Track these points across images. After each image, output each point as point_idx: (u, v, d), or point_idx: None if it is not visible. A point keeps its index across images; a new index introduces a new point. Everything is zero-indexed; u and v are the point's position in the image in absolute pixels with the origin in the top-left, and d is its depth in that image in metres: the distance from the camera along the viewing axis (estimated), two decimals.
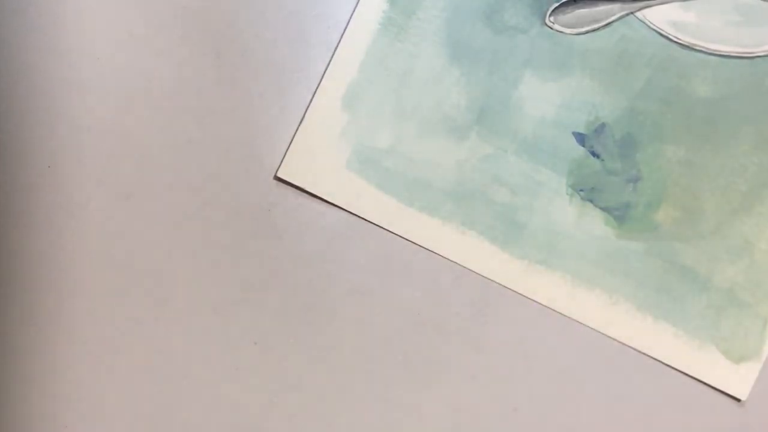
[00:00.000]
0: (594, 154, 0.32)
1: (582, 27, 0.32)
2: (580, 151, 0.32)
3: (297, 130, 0.32)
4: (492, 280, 0.32)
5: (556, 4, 0.32)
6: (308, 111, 0.32)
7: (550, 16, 0.32)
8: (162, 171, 0.32)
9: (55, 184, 0.32)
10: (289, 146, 0.32)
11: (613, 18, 0.32)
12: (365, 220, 0.32)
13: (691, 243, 0.31)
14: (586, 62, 0.32)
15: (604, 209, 0.32)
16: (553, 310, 0.32)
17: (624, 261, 0.32)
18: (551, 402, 0.32)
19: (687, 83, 0.32)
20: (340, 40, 0.32)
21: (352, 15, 0.32)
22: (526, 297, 0.32)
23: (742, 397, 0.32)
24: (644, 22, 0.32)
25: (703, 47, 0.32)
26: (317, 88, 0.32)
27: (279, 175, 0.32)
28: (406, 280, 0.32)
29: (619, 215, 0.32)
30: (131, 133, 0.32)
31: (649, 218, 0.32)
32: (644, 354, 0.31)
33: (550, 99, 0.32)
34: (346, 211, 0.32)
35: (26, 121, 0.32)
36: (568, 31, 0.32)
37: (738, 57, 0.32)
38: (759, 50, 0.32)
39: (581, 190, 0.32)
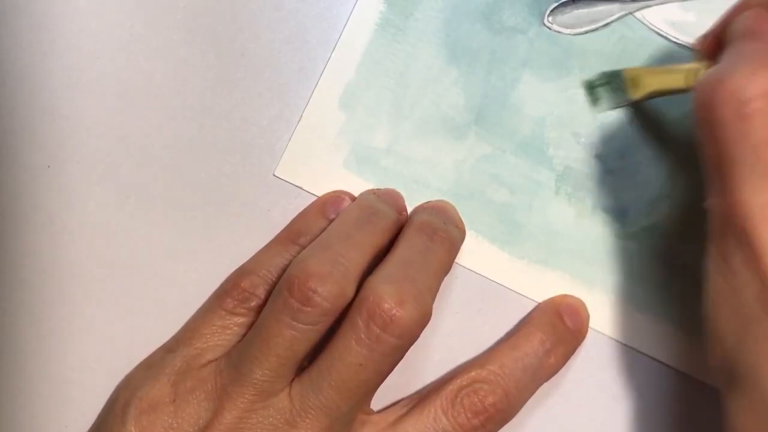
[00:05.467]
0: (593, 155, 0.32)
1: (581, 27, 0.32)
2: (579, 151, 0.32)
3: (295, 129, 0.33)
4: (491, 280, 0.32)
5: (555, 5, 0.32)
6: (306, 111, 0.33)
7: (548, 16, 0.32)
8: (162, 171, 0.32)
9: (55, 184, 0.32)
10: (287, 145, 0.32)
11: (612, 18, 0.32)
12: None
13: (691, 243, 0.31)
14: (584, 62, 0.32)
15: (603, 209, 0.32)
16: None
17: (623, 261, 0.32)
18: (550, 401, 0.31)
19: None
20: (337, 41, 0.33)
21: (349, 16, 0.33)
22: (526, 297, 0.32)
23: None
24: (643, 23, 0.32)
25: None
26: (315, 87, 0.33)
27: (277, 174, 0.32)
28: None
29: (618, 215, 0.32)
30: (131, 133, 0.33)
31: (649, 218, 0.32)
32: (643, 354, 0.31)
33: (549, 99, 0.32)
34: None
35: (26, 121, 0.32)
36: (566, 31, 0.32)
37: None
38: None
39: (580, 190, 0.32)
